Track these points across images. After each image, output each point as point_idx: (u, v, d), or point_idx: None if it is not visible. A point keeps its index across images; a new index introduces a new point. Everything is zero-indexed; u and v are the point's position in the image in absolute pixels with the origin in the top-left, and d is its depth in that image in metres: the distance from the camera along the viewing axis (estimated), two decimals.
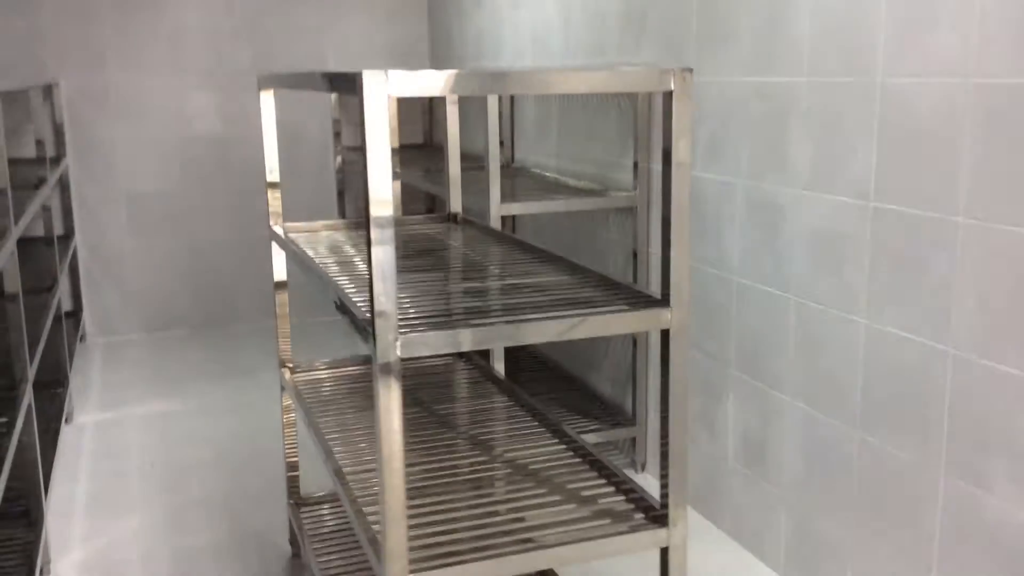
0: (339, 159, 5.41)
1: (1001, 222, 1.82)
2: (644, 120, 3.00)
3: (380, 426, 1.44)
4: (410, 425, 2.22)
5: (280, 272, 2.60)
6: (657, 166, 3.00)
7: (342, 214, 5.46)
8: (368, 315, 1.59)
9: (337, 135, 5.40)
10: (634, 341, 3.17)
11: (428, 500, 1.80)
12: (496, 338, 1.49)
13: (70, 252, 4.68)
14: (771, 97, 2.45)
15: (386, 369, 1.43)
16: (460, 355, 2.79)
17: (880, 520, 2.19)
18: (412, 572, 1.51)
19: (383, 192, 1.38)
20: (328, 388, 2.52)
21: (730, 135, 2.62)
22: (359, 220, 2.63)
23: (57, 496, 3.17)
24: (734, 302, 2.66)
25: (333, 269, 2.05)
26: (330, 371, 2.66)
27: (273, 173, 2.57)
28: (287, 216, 5.37)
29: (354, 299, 1.74)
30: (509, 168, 4.15)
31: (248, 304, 5.39)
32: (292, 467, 2.70)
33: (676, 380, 1.59)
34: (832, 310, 2.28)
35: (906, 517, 2.11)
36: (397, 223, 2.67)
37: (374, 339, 1.43)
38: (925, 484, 2.05)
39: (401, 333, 1.45)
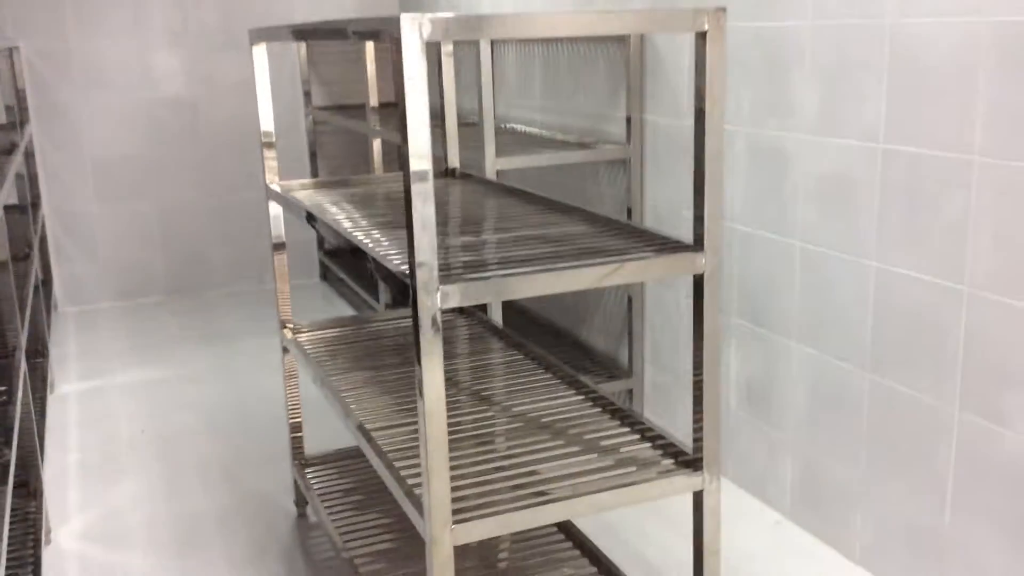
0: (309, 119, 5.33)
1: (1019, 159, 1.83)
2: (636, 69, 2.97)
3: (423, 377, 1.42)
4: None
5: (278, 232, 2.56)
6: (651, 117, 2.98)
7: (315, 175, 5.39)
8: (404, 268, 1.56)
9: (307, 95, 5.31)
10: (628, 294, 3.17)
11: (457, 454, 1.79)
12: (536, 286, 1.48)
13: (39, 221, 4.56)
14: (772, 42, 2.44)
15: (428, 320, 1.41)
16: (460, 311, 2.77)
17: (891, 459, 2.22)
18: (455, 523, 1.50)
19: (422, 144, 1.35)
20: (332, 347, 2.49)
21: (729, 82, 2.61)
22: (340, 179, 2.58)
23: (50, 465, 3.12)
24: (735, 250, 2.67)
25: (345, 225, 2.01)
26: (331, 331, 2.63)
27: (269, 132, 2.51)
28: (260, 180, 5.28)
29: (386, 253, 1.70)
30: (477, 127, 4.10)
31: (221, 269, 5.31)
32: (295, 428, 2.67)
33: (710, 324, 1.59)
34: (840, 254, 2.30)
35: (918, 455, 2.14)
36: (397, 179, 2.63)
37: (414, 290, 1.40)
38: (939, 421, 2.08)
39: (441, 284, 1.42)
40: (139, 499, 2.87)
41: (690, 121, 2.79)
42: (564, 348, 3.56)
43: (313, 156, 5.39)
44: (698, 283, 1.58)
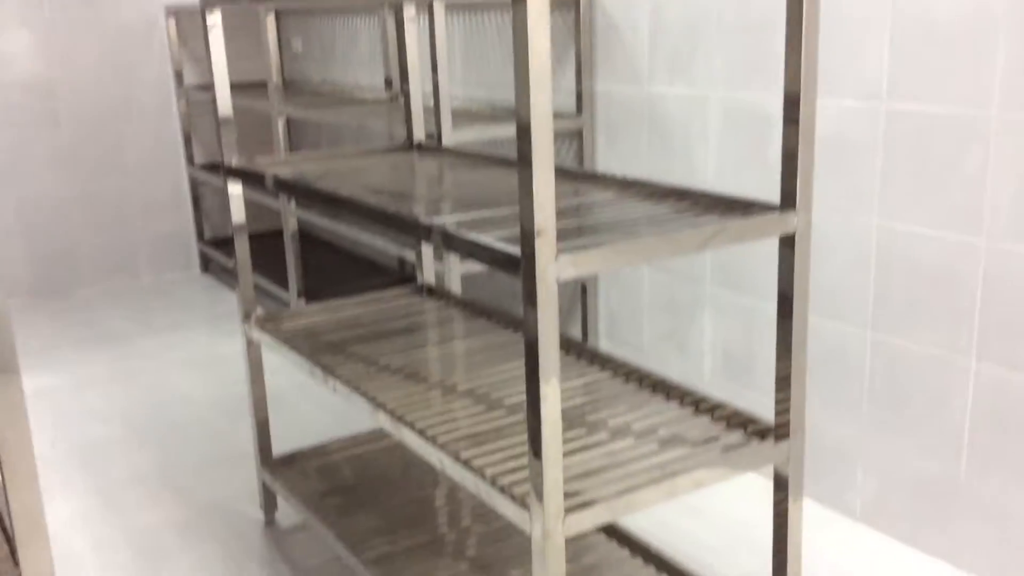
0: (183, 101, 4.96)
1: None
2: (587, 35, 2.89)
3: (541, 357, 1.29)
4: (421, 371, 2.05)
5: (239, 214, 2.33)
6: (604, 86, 2.91)
7: (190, 160, 5.03)
8: (498, 241, 1.42)
9: (178, 74, 4.94)
10: None
11: (513, 441, 1.67)
12: (647, 252, 1.37)
13: None
14: (752, 1, 2.41)
15: (547, 295, 1.28)
16: (417, 290, 2.63)
17: (897, 415, 2.25)
18: (567, 513, 1.39)
19: (543, 85, 1.21)
20: (309, 339, 2.29)
21: (699, 46, 2.56)
22: (284, 158, 2.38)
23: None
24: None
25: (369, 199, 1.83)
26: (296, 321, 2.42)
27: (226, 106, 2.28)
28: (130, 167, 4.89)
29: (460, 223, 1.55)
30: (396, 101, 3.93)
31: (91, 265, 4.89)
32: (263, 426, 2.45)
33: (800, 288, 1.53)
34: (835, 215, 2.30)
35: (929, 410, 2.17)
36: (364, 154, 2.45)
37: (532, 262, 1.27)
38: (953, 374, 2.11)
39: (561, 252, 1.30)
40: (77, 519, 2.57)
41: (651, 88, 2.73)
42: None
43: (187, 141, 5.03)
44: (788, 244, 1.52)
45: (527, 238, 1.27)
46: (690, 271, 2.73)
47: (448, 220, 1.58)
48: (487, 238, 1.41)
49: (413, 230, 1.58)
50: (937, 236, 2.09)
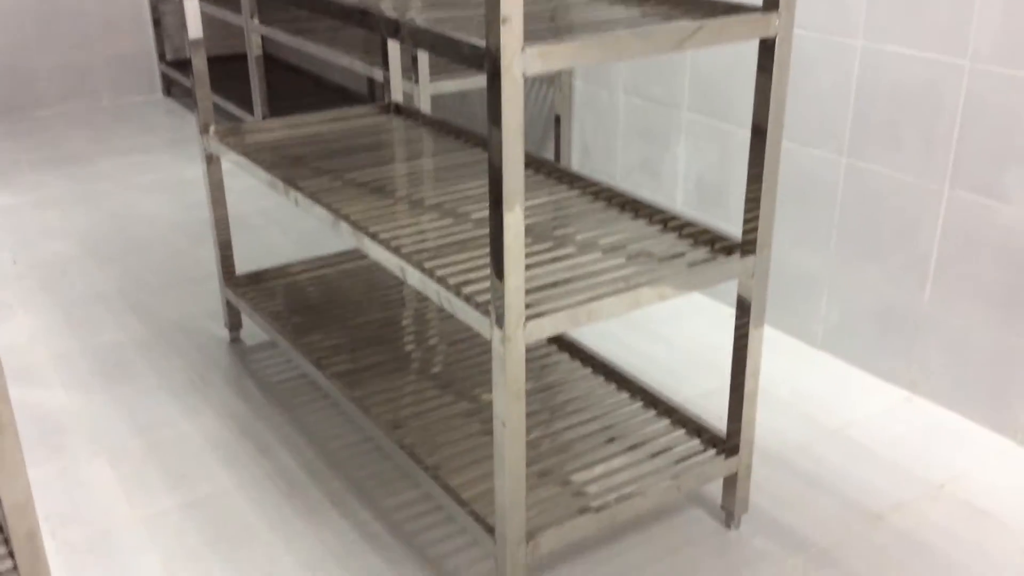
0: None
1: None
2: None
3: (504, 158, 1.24)
4: (387, 186, 2.00)
5: (195, 22, 2.21)
6: None
7: None
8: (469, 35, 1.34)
9: None
10: (551, 92, 3.01)
11: (476, 253, 1.64)
12: (619, 49, 1.30)
13: None
14: None
15: (513, 87, 1.22)
16: (384, 109, 2.54)
17: (865, 245, 2.23)
18: (527, 320, 1.37)
19: None
20: (274, 152, 2.22)
21: None
22: None
23: None
24: None
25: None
26: (259, 135, 2.34)
27: None
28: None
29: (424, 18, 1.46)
30: None
31: (50, 86, 4.70)
32: (225, 244, 2.41)
33: (778, 93, 1.47)
34: (819, 35, 2.21)
35: (898, 238, 2.16)
36: None
37: (497, 53, 1.20)
38: (925, 201, 2.08)
39: (528, 44, 1.22)
40: (39, 333, 2.54)
41: None
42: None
43: None
44: (768, 50, 1.45)
45: (492, 27, 1.19)
46: (667, 96, 2.65)
47: (417, 16, 1.49)
48: (455, 32, 1.33)
49: (379, 26, 1.49)
50: (921, 57, 2.02)
